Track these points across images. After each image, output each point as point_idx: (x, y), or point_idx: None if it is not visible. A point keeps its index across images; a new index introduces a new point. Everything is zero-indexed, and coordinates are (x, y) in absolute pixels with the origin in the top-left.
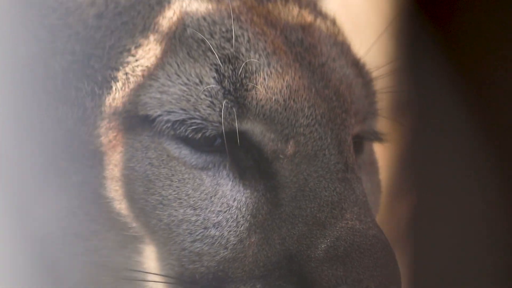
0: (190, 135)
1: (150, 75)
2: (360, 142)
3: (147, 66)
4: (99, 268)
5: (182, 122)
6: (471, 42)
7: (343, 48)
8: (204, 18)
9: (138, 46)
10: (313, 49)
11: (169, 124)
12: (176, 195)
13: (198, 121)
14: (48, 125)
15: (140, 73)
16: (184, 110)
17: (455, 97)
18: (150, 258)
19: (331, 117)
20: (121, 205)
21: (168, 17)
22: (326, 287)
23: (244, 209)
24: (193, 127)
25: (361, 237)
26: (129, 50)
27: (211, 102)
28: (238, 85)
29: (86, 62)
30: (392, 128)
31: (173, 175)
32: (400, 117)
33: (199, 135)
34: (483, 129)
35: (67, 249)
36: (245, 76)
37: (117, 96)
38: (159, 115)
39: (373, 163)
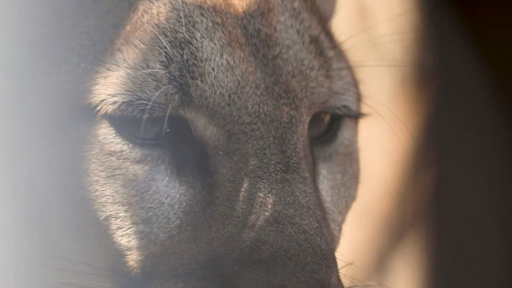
0: (137, 116)
1: (98, 60)
2: (333, 132)
3: (99, 51)
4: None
5: (129, 103)
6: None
7: (304, 26)
8: (164, 4)
9: (97, 28)
10: (268, 40)
11: (115, 106)
12: (103, 191)
13: (145, 102)
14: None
15: (91, 59)
16: (131, 92)
17: (479, 71)
18: (85, 250)
19: (277, 116)
20: (64, 196)
21: (130, 2)
22: None
23: (177, 206)
24: (140, 108)
25: (289, 241)
26: (88, 33)
27: (157, 85)
28: (184, 71)
29: (51, 38)
30: (415, 101)
31: (102, 171)
32: (422, 88)
33: (147, 116)
34: (507, 102)
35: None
36: (193, 64)
37: (65, 80)
38: (103, 100)
39: (350, 153)
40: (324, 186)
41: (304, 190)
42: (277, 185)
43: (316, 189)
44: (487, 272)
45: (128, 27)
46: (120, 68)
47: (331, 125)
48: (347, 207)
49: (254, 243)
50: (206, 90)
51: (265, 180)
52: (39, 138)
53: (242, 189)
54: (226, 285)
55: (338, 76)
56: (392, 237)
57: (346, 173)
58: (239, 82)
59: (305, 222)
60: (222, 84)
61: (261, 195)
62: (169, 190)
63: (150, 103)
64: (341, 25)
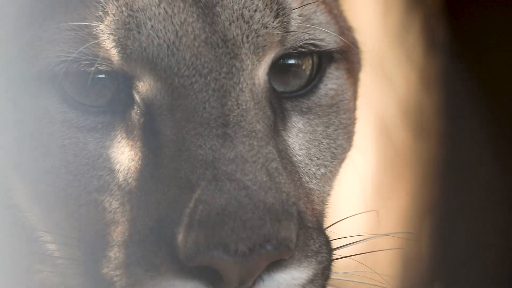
0: (83, 69)
1: (42, 25)
2: (315, 84)
3: (44, 17)
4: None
5: (75, 60)
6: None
7: None
8: None
9: None
10: None
11: (63, 65)
12: (55, 163)
13: (90, 57)
14: None
15: (37, 26)
16: (74, 50)
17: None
18: (54, 222)
19: (215, 67)
20: (25, 170)
21: None
22: (187, 254)
23: (126, 171)
24: (86, 62)
25: (228, 198)
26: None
27: (97, 43)
28: (120, 23)
29: (35, 14)
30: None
31: (52, 142)
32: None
33: (93, 68)
34: None
35: None
36: (128, 15)
37: (14, 51)
38: (49, 63)
39: (336, 103)
40: (299, 139)
41: (249, 144)
42: (217, 141)
43: (282, 142)
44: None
45: None
46: (62, 31)
47: (314, 77)
48: (334, 158)
49: (193, 203)
50: (143, 41)
51: (205, 137)
52: None
53: (184, 149)
54: (169, 248)
55: (300, 13)
56: None
57: (331, 124)
58: (177, 32)
59: (247, 178)
60: (159, 34)
61: (201, 152)
62: (119, 156)
63: (96, 59)
64: None
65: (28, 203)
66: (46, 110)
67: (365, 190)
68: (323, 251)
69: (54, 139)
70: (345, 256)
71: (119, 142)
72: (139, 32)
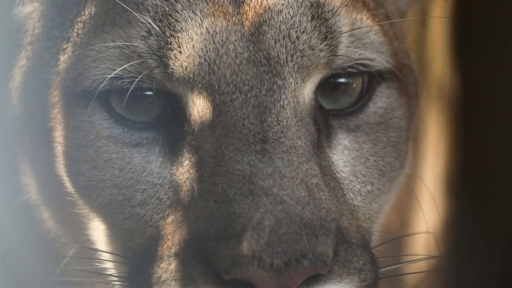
0: (126, 86)
1: (89, 45)
2: (364, 102)
3: (91, 37)
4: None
5: (119, 78)
6: None
7: None
8: None
9: (92, 16)
10: (257, 7)
11: (106, 83)
12: (101, 177)
13: (133, 74)
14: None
15: (84, 45)
16: (118, 67)
17: None
18: (98, 236)
19: (255, 84)
20: (66, 183)
21: None
22: (223, 267)
23: (167, 186)
24: (130, 80)
25: (264, 213)
26: (84, 21)
27: (141, 61)
28: (162, 43)
29: (53, 31)
30: None
31: (98, 156)
32: None
33: (135, 85)
34: None
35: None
36: (170, 35)
37: (60, 69)
38: (95, 80)
39: (385, 121)
40: (344, 156)
41: (288, 160)
42: (255, 156)
43: (326, 159)
44: None
45: (115, 10)
46: (108, 49)
47: (364, 95)
48: (381, 176)
49: (229, 217)
50: (184, 60)
51: (244, 152)
52: (38, 130)
53: (222, 164)
54: (206, 262)
55: (351, 33)
56: None
57: (379, 142)
58: (218, 51)
59: (284, 193)
60: (200, 53)
61: (239, 167)
62: (162, 171)
63: (134, 75)
64: None
65: (79, 218)
66: (92, 125)
67: None
68: (367, 269)
69: (101, 153)
70: (391, 275)
71: (163, 157)
72: (180, 52)
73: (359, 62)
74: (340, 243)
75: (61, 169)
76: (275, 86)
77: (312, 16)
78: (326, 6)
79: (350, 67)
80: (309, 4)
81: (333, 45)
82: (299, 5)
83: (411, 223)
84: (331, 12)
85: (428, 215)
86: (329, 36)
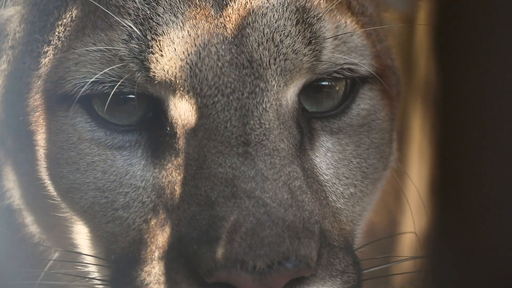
0: (107, 91)
1: (71, 48)
2: (347, 104)
3: (72, 40)
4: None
5: (100, 82)
6: None
7: None
8: None
9: (73, 19)
10: (241, 9)
11: (87, 87)
12: (83, 179)
13: (115, 79)
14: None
15: (65, 48)
16: (99, 71)
17: None
18: (81, 239)
19: (238, 87)
20: (49, 187)
21: None
22: (206, 270)
23: (150, 189)
24: (111, 84)
25: (246, 215)
26: (65, 24)
27: (123, 65)
28: (143, 46)
29: (34, 35)
30: None
31: (81, 159)
32: None
33: (116, 90)
34: None
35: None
36: (152, 38)
37: (41, 73)
38: (76, 84)
39: (368, 123)
40: (326, 159)
41: (271, 162)
42: (238, 159)
43: (309, 161)
44: None
45: (97, 13)
46: (89, 52)
47: (347, 97)
48: (364, 178)
49: (211, 220)
50: (165, 63)
51: (226, 155)
52: (20, 133)
53: (205, 167)
54: (189, 265)
55: (336, 39)
56: None
57: (362, 144)
58: (200, 54)
59: (267, 195)
60: (182, 56)
61: (221, 170)
62: (145, 174)
63: (117, 80)
64: None
65: (57, 220)
66: (74, 128)
67: None
68: (349, 271)
69: (83, 156)
70: (374, 277)
71: (145, 159)
72: (162, 55)
73: (345, 67)
74: (323, 245)
75: (44, 172)
76: (257, 89)
77: (297, 20)
78: (311, 11)
79: (336, 72)
80: (295, 9)
81: (317, 50)
82: (285, 9)
83: (399, 223)
84: (316, 17)
85: (415, 216)
86: (313, 41)
